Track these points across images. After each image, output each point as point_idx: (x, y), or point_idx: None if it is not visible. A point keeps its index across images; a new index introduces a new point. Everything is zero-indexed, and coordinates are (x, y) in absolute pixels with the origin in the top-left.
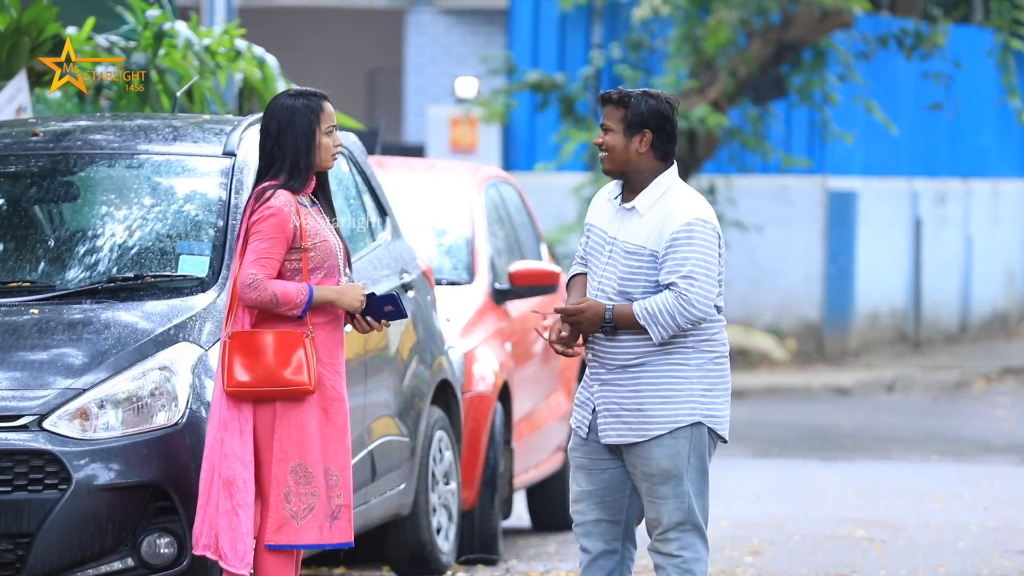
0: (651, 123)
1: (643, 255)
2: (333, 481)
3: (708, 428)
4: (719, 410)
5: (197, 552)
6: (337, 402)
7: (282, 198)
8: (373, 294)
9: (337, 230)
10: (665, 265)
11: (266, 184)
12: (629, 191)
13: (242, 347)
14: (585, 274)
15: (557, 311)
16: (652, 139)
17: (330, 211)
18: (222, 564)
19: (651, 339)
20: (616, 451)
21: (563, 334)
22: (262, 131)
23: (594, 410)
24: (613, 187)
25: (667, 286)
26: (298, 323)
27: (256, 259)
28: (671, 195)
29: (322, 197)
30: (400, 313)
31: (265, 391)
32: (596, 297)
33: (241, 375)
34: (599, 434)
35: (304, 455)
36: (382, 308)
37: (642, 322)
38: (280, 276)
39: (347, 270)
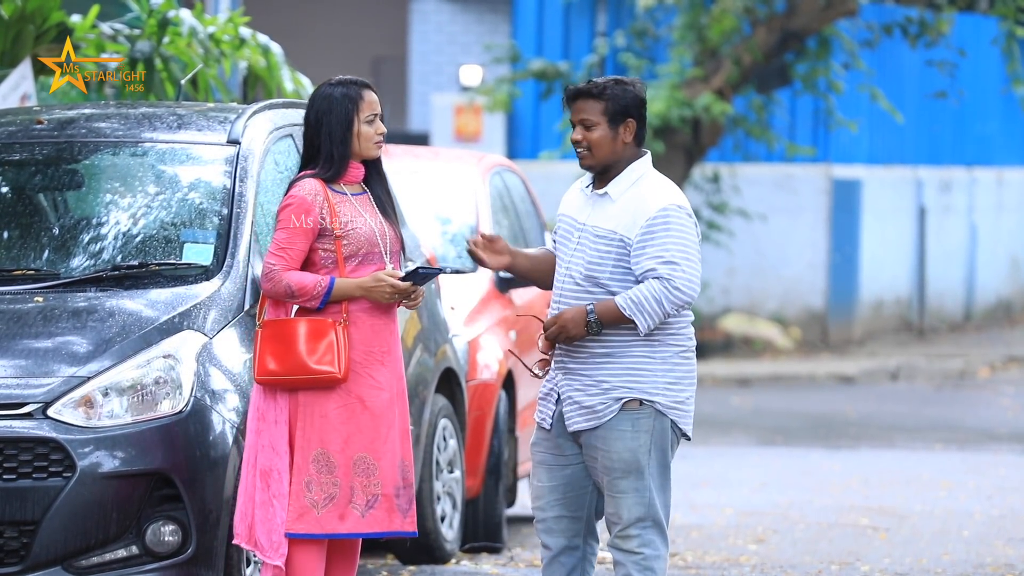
0: (633, 111)
1: (612, 240)
2: (367, 469)
3: (671, 421)
4: (683, 405)
5: (235, 542)
6: (375, 390)
7: (306, 187)
8: (416, 272)
9: (391, 219)
10: (645, 252)
11: (298, 175)
12: (603, 179)
13: (273, 336)
14: (548, 250)
15: (541, 333)
16: (635, 127)
17: (380, 202)
18: (258, 555)
19: (623, 331)
20: (579, 445)
21: (540, 346)
22: (304, 120)
23: (558, 400)
24: (586, 178)
25: (646, 275)
26: (331, 311)
27: (274, 249)
28: (644, 182)
29: (373, 186)
30: (431, 273)
31: (292, 380)
32: (563, 282)
33: (270, 364)
34: (565, 422)
35: (326, 444)
36: (415, 281)
37: (628, 314)
38: (314, 264)
39: (401, 259)
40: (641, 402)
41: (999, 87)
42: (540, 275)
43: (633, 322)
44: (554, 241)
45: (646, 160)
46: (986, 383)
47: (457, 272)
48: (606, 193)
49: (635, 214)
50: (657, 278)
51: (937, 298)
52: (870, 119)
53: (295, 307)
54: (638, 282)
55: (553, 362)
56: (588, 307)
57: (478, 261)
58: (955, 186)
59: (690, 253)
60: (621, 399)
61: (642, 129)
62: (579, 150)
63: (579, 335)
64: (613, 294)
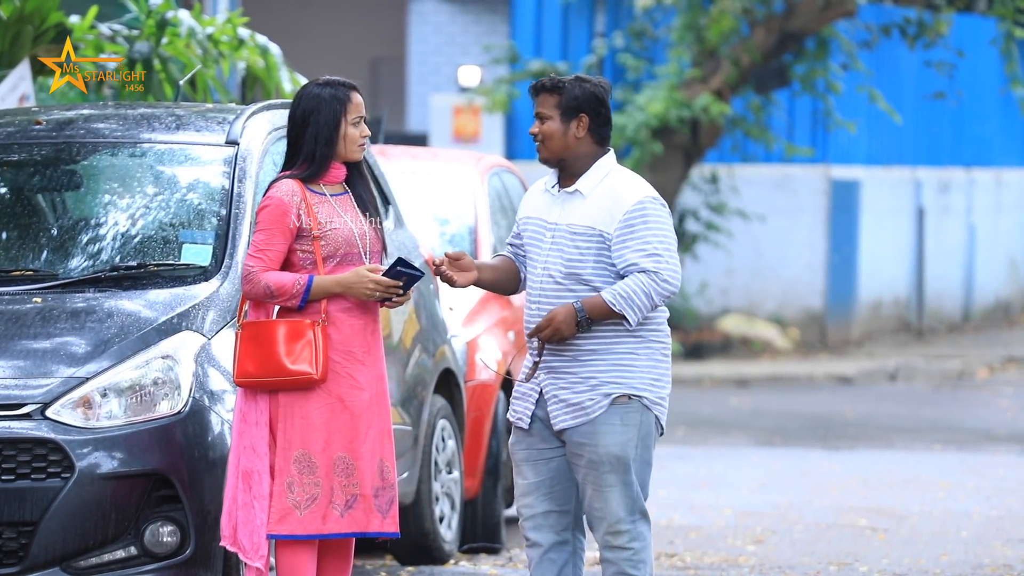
0: (587, 107)
1: (592, 236)
2: (346, 470)
3: (655, 416)
4: (665, 401)
5: (222, 544)
6: (355, 391)
7: (283, 188)
8: (398, 270)
9: (372, 221)
10: (626, 247)
11: (279, 175)
12: (567, 177)
13: (251, 338)
14: (504, 255)
15: (529, 336)
16: (589, 123)
17: (362, 202)
18: (241, 556)
19: (609, 329)
20: (561, 439)
21: (533, 348)
22: (288, 119)
23: (538, 400)
24: (549, 177)
25: (630, 269)
26: (310, 311)
27: (253, 252)
28: (614, 177)
29: (355, 187)
30: (415, 276)
31: (270, 381)
32: (543, 283)
33: (248, 366)
34: (551, 421)
35: (308, 445)
36: (399, 279)
37: (618, 309)
38: (292, 265)
39: (382, 259)
40: (629, 396)
41: (997, 88)
42: (503, 284)
43: (622, 317)
44: (509, 245)
45: (611, 157)
46: (984, 384)
47: None
48: (576, 190)
49: (611, 208)
50: (643, 271)
51: (936, 299)
52: (868, 120)
53: (276, 309)
54: (619, 276)
55: (532, 361)
56: (576, 305)
57: (448, 281)
58: (954, 187)
59: (670, 244)
60: (610, 395)
61: (601, 127)
62: (536, 143)
63: (572, 334)
64: (596, 289)
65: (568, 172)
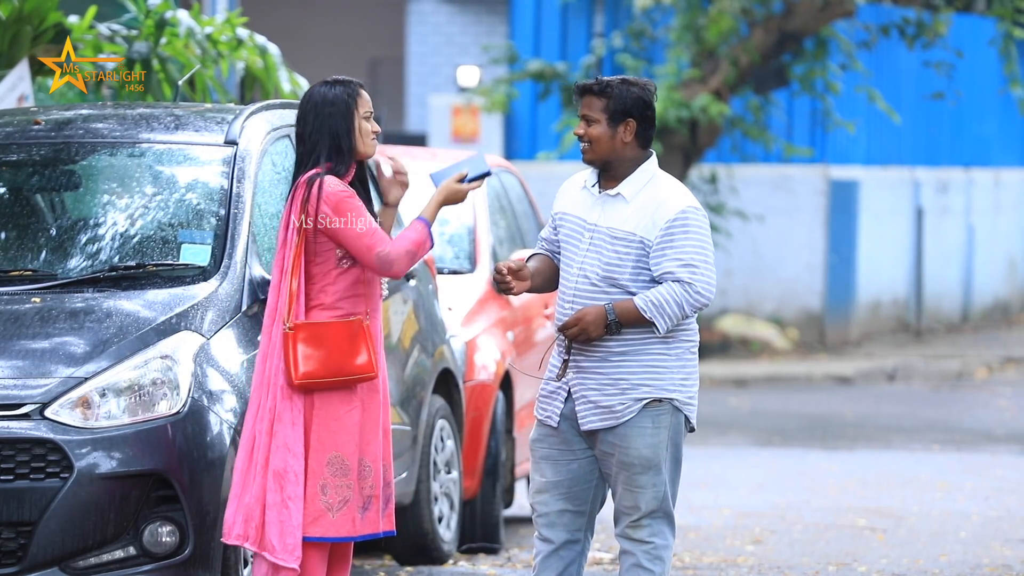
0: (634, 111)
1: (632, 242)
2: (365, 472)
3: (684, 416)
4: (694, 399)
5: (228, 541)
6: (372, 392)
7: (335, 180)
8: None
9: (375, 219)
10: (664, 255)
11: (313, 172)
12: (610, 179)
13: (307, 338)
14: (541, 254)
15: (559, 330)
16: (636, 127)
17: (367, 199)
18: (268, 556)
19: (639, 329)
20: (587, 439)
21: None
22: (299, 119)
23: (566, 399)
24: (589, 175)
25: (665, 277)
26: (356, 310)
27: (376, 234)
28: (657, 183)
29: (355, 186)
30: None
31: (334, 381)
32: (577, 283)
33: (308, 366)
34: (579, 421)
35: (340, 447)
36: (474, 181)
37: (648, 316)
38: (330, 260)
39: None
40: (660, 400)
41: (996, 88)
42: (551, 285)
43: (651, 324)
44: (544, 240)
45: (654, 161)
46: (983, 384)
47: (454, 273)
48: (619, 194)
49: (653, 216)
50: (677, 281)
51: (934, 299)
52: (867, 120)
53: (303, 308)
54: (655, 282)
55: (559, 360)
56: (607, 307)
57: (506, 290)
58: (952, 187)
59: (708, 256)
60: (642, 399)
61: (647, 130)
62: (581, 144)
63: (599, 336)
64: (631, 294)
65: (611, 174)
